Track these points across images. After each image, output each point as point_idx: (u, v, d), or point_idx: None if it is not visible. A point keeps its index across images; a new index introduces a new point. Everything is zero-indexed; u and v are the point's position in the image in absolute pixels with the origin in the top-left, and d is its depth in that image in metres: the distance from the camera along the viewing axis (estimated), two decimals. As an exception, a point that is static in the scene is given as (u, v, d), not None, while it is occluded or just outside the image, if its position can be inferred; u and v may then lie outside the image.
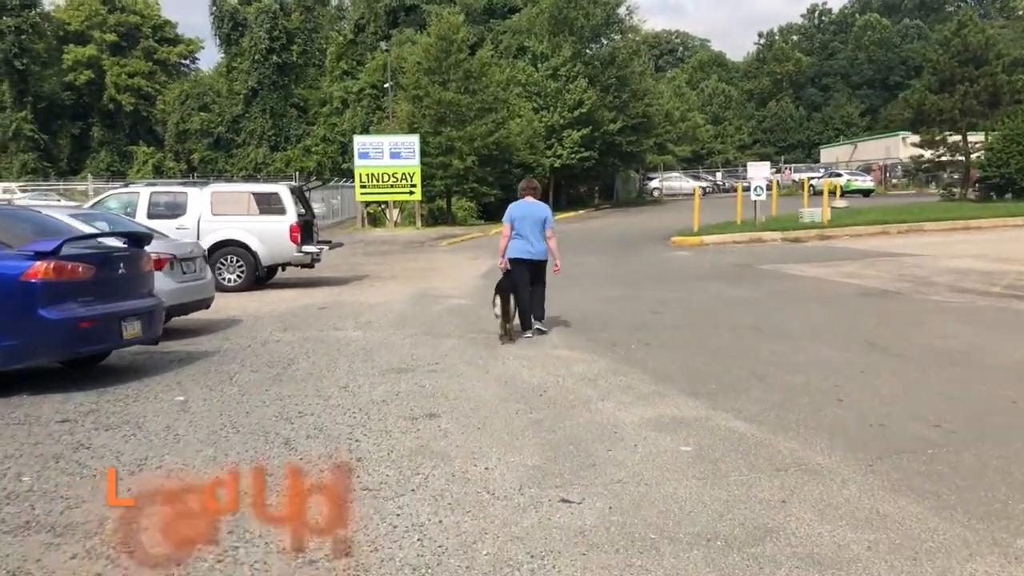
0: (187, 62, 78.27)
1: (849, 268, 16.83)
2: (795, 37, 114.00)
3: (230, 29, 66.65)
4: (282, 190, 16.23)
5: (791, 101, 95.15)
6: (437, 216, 39.45)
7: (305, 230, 17.20)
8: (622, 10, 48.91)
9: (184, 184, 16.73)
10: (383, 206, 38.81)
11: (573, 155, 43.91)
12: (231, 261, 15.91)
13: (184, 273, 10.62)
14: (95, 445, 5.67)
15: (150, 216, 15.92)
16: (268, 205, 16.32)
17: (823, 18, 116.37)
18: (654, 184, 63.23)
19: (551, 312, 10.96)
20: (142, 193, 16.23)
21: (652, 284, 15.19)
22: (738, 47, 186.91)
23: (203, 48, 77.92)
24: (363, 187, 35.94)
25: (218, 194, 16.23)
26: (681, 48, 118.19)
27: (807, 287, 14.27)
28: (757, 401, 6.67)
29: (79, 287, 7.30)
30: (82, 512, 4.41)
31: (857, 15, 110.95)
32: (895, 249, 20.47)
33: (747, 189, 26.79)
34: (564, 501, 4.54)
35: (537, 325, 10.14)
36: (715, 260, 19.62)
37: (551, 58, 45.56)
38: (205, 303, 11.05)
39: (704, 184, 64.60)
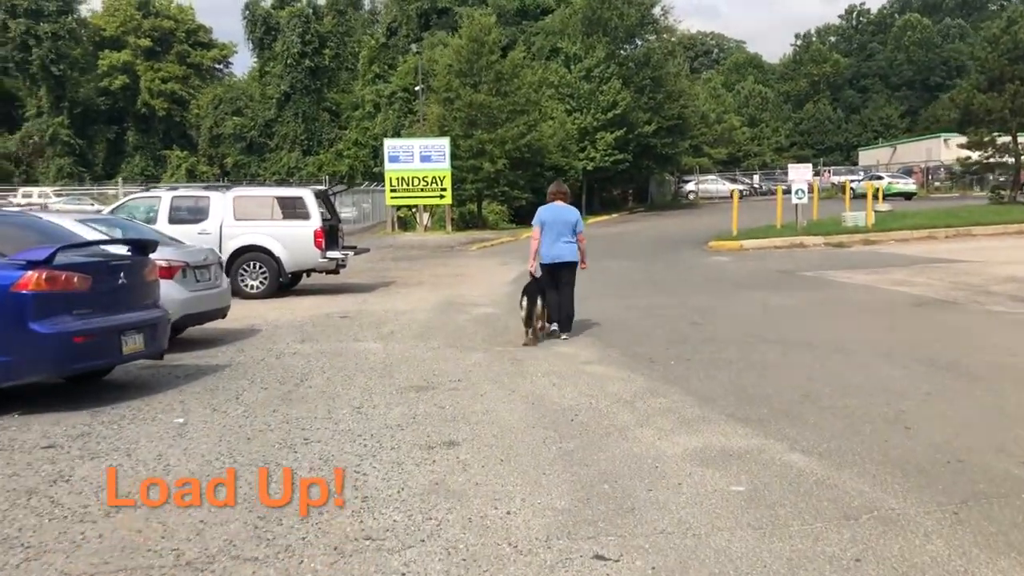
0: (220, 67, 78.57)
1: (898, 275, 15.95)
2: (832, 38, 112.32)
3: (263, 33, 66.88)
4: (306, 194, 15.73)
5: (828, 103, 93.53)
6: (468, 220, 38.90)
7: (330, 235, 16.70)
8: (657, 10, 48.08)
9: (207, 188, 16.20)
10: (413, 210, 38.36)
11: (606, 157, 43.17)
12: (254, 267, 15.44)
13: (198, 281, 10.10)
14: (75, 477, 5.11)
15: (172, 221, 15.52)
16: (292, 210, 15.83)
17: (861, 18, 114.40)
18: (689, 187, 62.25)
19: (583, 319, 10.34)
20: (164, 198, 15.82)
21: (690, 291, 14.47)
22: (774, 49, 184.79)
23: (236, 52, 78.36)
24: (393, 191, 35.51)
25: (241, 198, 15.77)
26: (716, 50, 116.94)
27: (856, 296, 13.45)
28: (814, 428, 5.97)
29: (74, 299, 6.77)
30: (39, 567, 3.83)
31: (896, 15, 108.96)
32: (945, 255, 19.51)
33: (787, 192, 25.91)
34: (598, 558, 3.87)
35: (563, 336, 10.15)
36: (756, 266, 18.82)
37: (584, 59, 44.87)
38: (221, 312, 10.54)
39: (741, 187, 63.58)
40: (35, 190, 51.57)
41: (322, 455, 5.47)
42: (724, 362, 8.43)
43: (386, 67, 60.28)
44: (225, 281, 10.77)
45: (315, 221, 15.47)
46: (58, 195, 49.67)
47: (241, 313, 13.09)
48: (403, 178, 35.15)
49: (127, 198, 17.40)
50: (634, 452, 5.49)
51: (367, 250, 17.74)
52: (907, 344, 9.25)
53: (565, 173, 40.88)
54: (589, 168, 43.11)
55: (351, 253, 16.08)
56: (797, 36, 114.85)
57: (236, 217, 15.54)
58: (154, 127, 72.18)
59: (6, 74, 69.83)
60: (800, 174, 24.61)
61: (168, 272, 9.50)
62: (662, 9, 48.28)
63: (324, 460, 5.37)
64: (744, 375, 7.81)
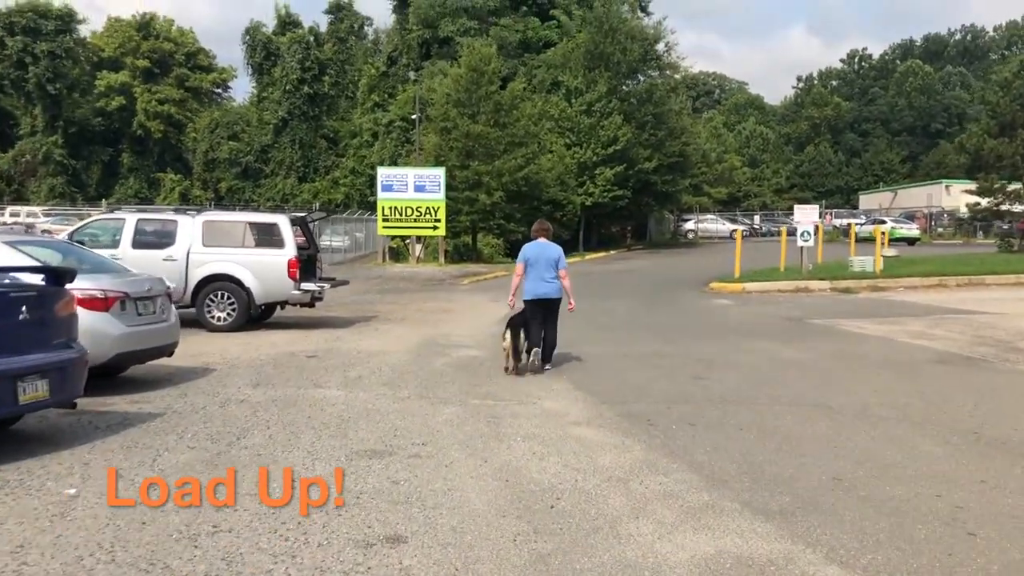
0: (219, 91, 77.89)
1: (914, 327, 14.82)
2: (834, 82, 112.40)
3: (262, 59, 66.21)
4: (281, 221, 14.63)
5: (829, 146, 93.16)
6: (463, 252, 37.85)
7: (307, 266, 15.58)
8: (660, 46, 47.41)
9: (175, 211, 15.10)
10: (406, 241, 37.31)
11: (606, 193, 42.22)
12: (222, 298, 14.29)
13: (139, 315, 8.93)
14: None
15: (136, 245, 14.44)
16: (265, 237, 14.72)
17: (863, 63, 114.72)
18: (689, 225, 61.37)
19: (575, 365, 9.24)
20: (128, 220, 14.70)
21: (692, 338, 13.32)
22: (774, 92, 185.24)
23: (236, 77, 77.64)
24: (385, 220, 34.46)
25: (211, 223, 14.66)
26: (718, 90, 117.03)
27: (873, 350, 12.29)
28: (853, 529, 4.79)
29: (-45, 337, 5.62)
30: None
31: (898, 61, 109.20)
32: (959, 305, 18.40)
33: (792, 233, 24.91)
34: None
35: (546, 367, 10.33)
36: (760, 311, 17.70)
37: (586, 93, 44.11)
38: (166, 350, 9.37)
39: (741, 227, 62.74)
40: (23, 209, 50.47)
41: (227, 554, 4.28)
42: (734, 428, 7.26)
43: (386, 96, 59.56)
44: (173, 314, 9.60)
45: (289, 250, 14.35)
46: (47, 215, 48.53)
47: (199, 347, 11.96)
48: (396, 207, 34.12)
49: (89, 220, 16.30)
50: (627, 558, 4.31)
51: (345, 282, 16.63)
52: (941, 411, 8.09)
53: (563, 208, 39.95)
54: (588, 203, 42.14)
55: (327, 286, 14.91)
56: (799, 79, 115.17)
57: (205, 243, 14.43)
58: (149, 149, 71.22)
59: (1, 91, 69.02)
60: (807, 215, 23.59)
61: (103, 304, 8.37)
62: (666, 45, 47.65)
63: (227, 562, 4.18)
64: (759, 447, 6.64)
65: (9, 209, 50.19)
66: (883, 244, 31.42)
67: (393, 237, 37.38)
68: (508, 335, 9.90)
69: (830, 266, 25.95)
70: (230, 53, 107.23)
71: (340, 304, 19.69)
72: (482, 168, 35.42)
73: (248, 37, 66.49)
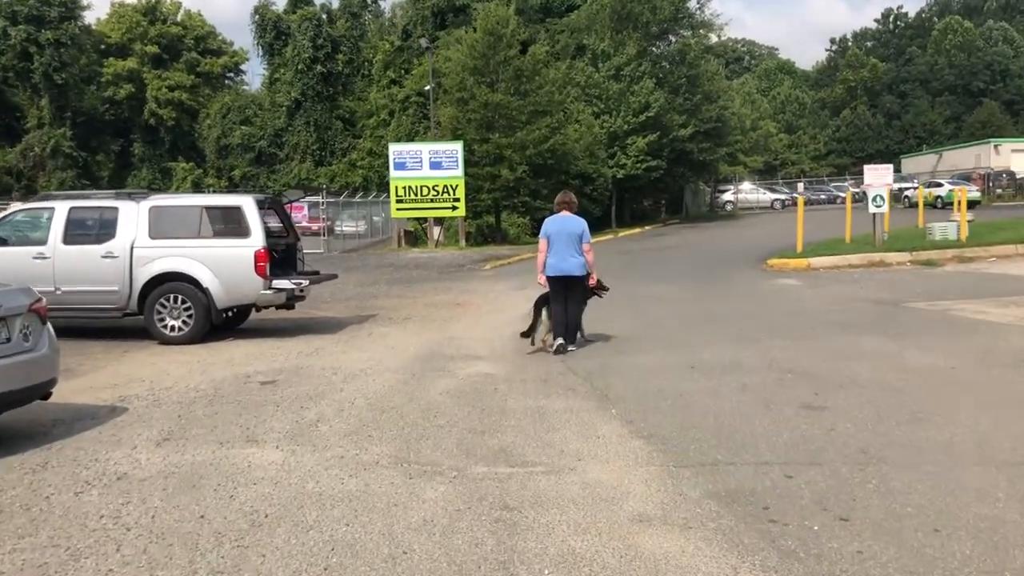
0: (232, 75, 75.20)
1: (1049, 308, 11.67)
2: (869, 43, 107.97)
3: (273, 39, 63.40)
4: (246, 203, 11.68)
5: (867, 109, 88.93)
6: (486, 234, 34.81)
7: (285, 258, 12.70)
8: (692, 3, 43.86)
9: (116, 197, 12.23)
10: (424, 224, 34.37)
11: (638, 164, 38.93)
12: (175, 302, 11.42)
13: (-18, 345, 6.07)
14: None
15: (68, 240, 11.67)
16: (227, 224, 11.83)
17: (899, 22, 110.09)
18: (727, 196, 57.83)
19: (626, 392, 6.42)
20: (58, 209, 11.83)
21: (772, 335, 10.23)
22: (804, 57, 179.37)
23: (247, 60, 74.83)
24: (399, 202, 31.59)
25: (159, 210, 11.76)
26: (747, 56, 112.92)
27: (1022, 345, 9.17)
28: None
29: None
30: None
31: (936, 18, 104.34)
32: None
33: (857, 199, 21.64)
34: None
35: (570, 347, 9.69)
36: (840, 293, 14.55)
37: (613, 57, 40.77)
38: (31, 393, 6.46)
39: (782, 196, 59.12)
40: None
41: None
42: (916, 527, 4.21)
43: (402, 72, 56.58)
44: (45, 342, 6.67)
45: (256, 239, 11.43)
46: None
47: (132, 370, 9.20)
48: (410, 187, 31.23)
49: (11, 210, 13.49)
50: None
51: (332, 277, 13.70)
52: None
53: (593, 181, 36.79)
54: (619, 176, 38.89)
55: (306, 282, 11.95)
56: (832, 41, 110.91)
57: (152, 234, 11.55)
58: (161, 138, 68.78)
59: (6, 83, 66.77)
60: (879, 177, 20.28)
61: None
62: (698, 2, 44.10)
63: None
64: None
65: (13, 205, 47.86)
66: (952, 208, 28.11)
67: (410, 220, 34.53)
68: (533, 316, 9.96)
69: (904, 235, 22.66)
70: (244, 39, 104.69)
71: (339, 299, 16.90)
72: (503, 141, 32.30)
73: (257, 16, 63.68)
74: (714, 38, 47.29)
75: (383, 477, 5.22)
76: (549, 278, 9.71)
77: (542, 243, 9.87)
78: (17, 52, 63.33)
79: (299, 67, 60.74)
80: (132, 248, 11.48)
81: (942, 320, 11.07)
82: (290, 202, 13.23)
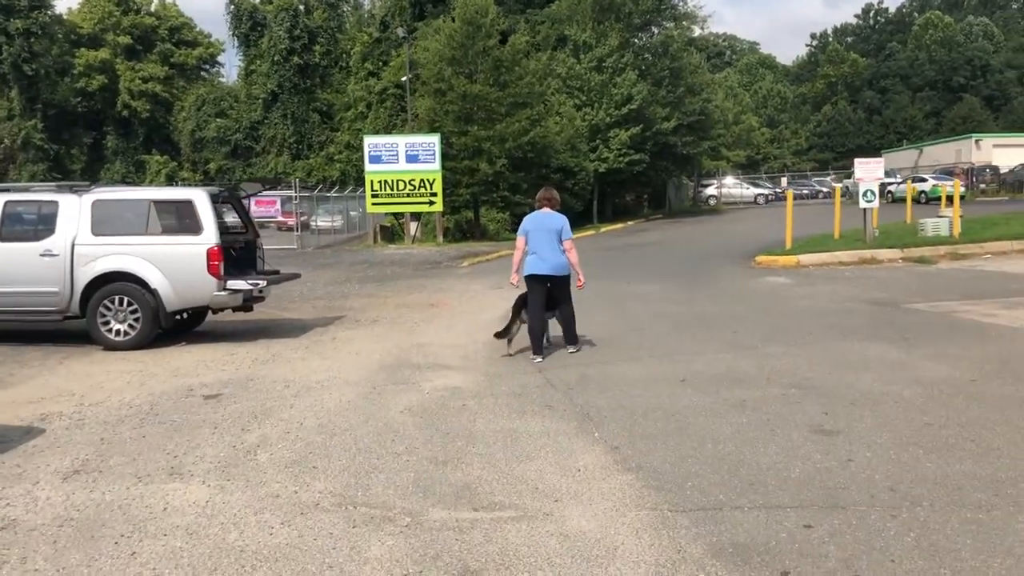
0: (207, 66, 73.72)
1: (1058, 310, 10.95)
2: (850, 38, 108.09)
3: (248, 29, 62.04)
4: (198, 197, 10.75)
5: (848, 104, 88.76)
6: (465, 229, 33.89)
7: (244, 256, 11.81)
8: (675, -7, 43.07)
9: (57, 189, 11.25)
10: (401, 219, 33.42)
11: (621, 158, 38.16)
12: (120, 304, 10.50)
13: None
14: None
15: (2, 237, 10.69)
16: (177, 220, 10.90)
17: (879, 18, 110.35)
18: (710, 191, 57.16)
19: (612, 410, 5.64)
20: (-9, 203, 10.88)
21: (768, 341, 9.43)
22: (783, 53, 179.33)
23: (223, 51, 73.42)
24: (375, 196, 30.65)
25: (103, 204, 10.80)
26: (728, 51, 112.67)
27: (1040, 353, 8.41)
28: None
29: None
30: None
31: (916, 14, 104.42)
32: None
33: (845, 193, 20.90)
34: None
35: (571, 349, 9.30)
36: (834, 293, 13.79)
37: (595, 48, 39.91)
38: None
39: (765, 191, 58.57)
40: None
41: None
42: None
43: (380, 64, 55.45)
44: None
45: (209, 236, 10.52)
46: None
47: (62, 382, 8.28)
48: (386, 181, 30.30)
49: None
50: None
51: (295, 276, 12.77)
52: None
53: (575, 175, 35.92)
54: (601, 170, 38.09)
55: (262, 283, 11.03)
56: (813, 36, 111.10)
57: (95, 231, 10.61)
58: (135, 130, 67.30)
59: (-25, 74, 65.16)
60: (870, 171, 19.53)
61: None
62: (681, -8, 43.33)
63: None
64: None
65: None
66: (939, 203, 27.49)
67: (386, 215, 33.58)
68: (523, 315, 9.27)
69: (894, 231, 22.00)
70: (221, 30, 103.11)
71: (307, 298, 15.99)
72: (482, 133, 31.40)
73: (232, 6, 62.29)
74: (697, 30, 46.65)
75: (321, 525, 4.35)
76: (527, 278, 9.12)
77: (519, 240, 9.30)
78: (-15, 42, 61.75)
79: (275, 58, 59.50)
80: (73, 246, 10.54)
81: (948, 324, 10.31)
82: (248, 196, 12.32)
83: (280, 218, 37.39)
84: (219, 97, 63.23)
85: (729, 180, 59.80)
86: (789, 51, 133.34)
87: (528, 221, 9.32)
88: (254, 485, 5.03)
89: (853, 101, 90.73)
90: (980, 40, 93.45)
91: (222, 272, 10.55)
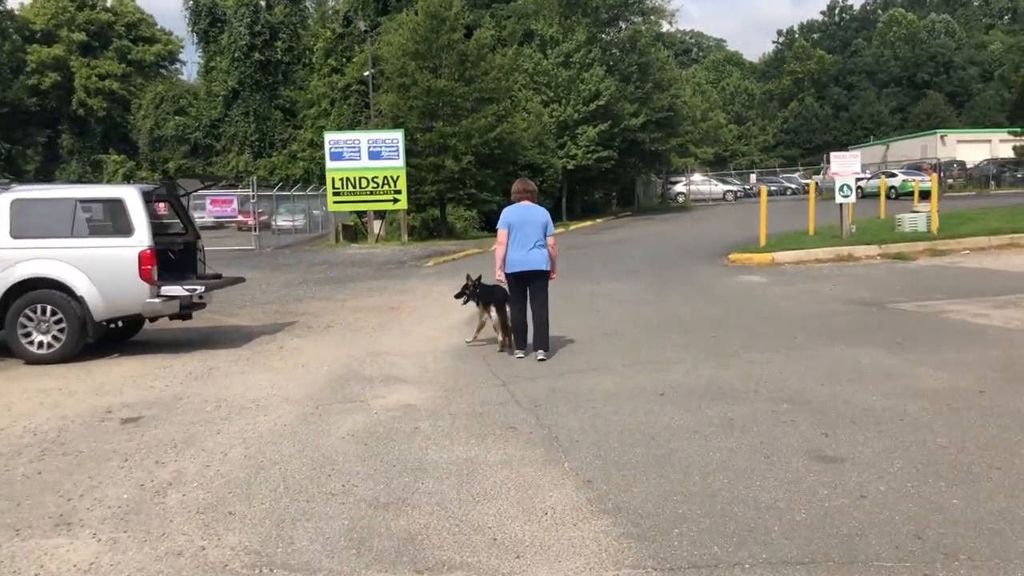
0: (167, 63, 72.01)
1: (1052, 309, 10.35)
2: (816, 35, 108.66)
3: (208, 25, 60.54)
4: (128, 195, 9.79)
5: (815, 101, 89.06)
6: (432, 228, 33.02)
7: (182, 259, 10.89)
8: (643, -12, 42.42)
9: (-27, 187, 10.26)
10: (364, 218, 32.46)
11: (589, 155, 37.47)
12: (43, 313, 9.54)
13: None
14: None
15: (-88, 241, 9.65)
16: (106, 221, 9.96)
17: (844, 15, 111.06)
18: (679, 188, 56.68)
19: (585, 434, 4.84)
20: (-100, 203, 9.85)
21: (748, 347, 8.69)
22: (750, 50, 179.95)
23: (183, 48, 71.79)
24: (336, 194, 29.66)
25: (23, 203, 9.82)
26: (695, 48, 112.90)
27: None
28: None
29: None
30: None
31: (880, 11, 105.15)
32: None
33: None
34: None
35: (540, 355, 8.55)
36: (813, 292, 13.13)
37: (562, 43, 39.17)
38: None
39: (734, 188, 58.24)
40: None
41: None
42: None
43: (343, 60, 54.29)
44: None
45: (141, 237, 9.58)
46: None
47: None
48: (348, 179, 29.32)
49: None
50: None
51: (239, 280, 11.84)
52: None
53: (543, 172, 35.15)
54: (570, 167, 37.39)
55: (200, 289, 10.10)
56: (779, 32, 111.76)
57: (14, 233, 9.63)
58: (91, 129, 65.53)
59: (-80, 71, 63.13)
60: (846, 165, 18.95)
61: None
62: (649, -14, 42.70)
63: None
64: None
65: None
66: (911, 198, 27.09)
67: (349, 213, 32.59)
68: (494, 312, 9.14)
69: (870, 227, 21.48)
70: (181, 27, 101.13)
71: (259, 302, 15.07)
72: (447, 129, 30.55)
73: (191, 2, 60.78)
74: (665, 25, 46.06)
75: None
76: (510, 275, 8.73)
77: (502, 234, 8.76)
78: (-67, 38, 59.83)
79: (236, 55, 58.13)
80: (-10, 249, 9.56)
81: (940, 326, 9.65)
82: (187, 193, 11.37)
83: (240, 218, 36.31)
84: (178, 95, 61.67)
85: (697, 177, 59.40)
86: (756, 48, 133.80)
87: (511, 214, 8.76)
88: (155, 539, 4.17)
89: (820, 97, 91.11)
90: (942, 37, 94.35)
91: (155, 277, 9.63)
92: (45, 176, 62.20)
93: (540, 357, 8.51)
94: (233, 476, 5.13)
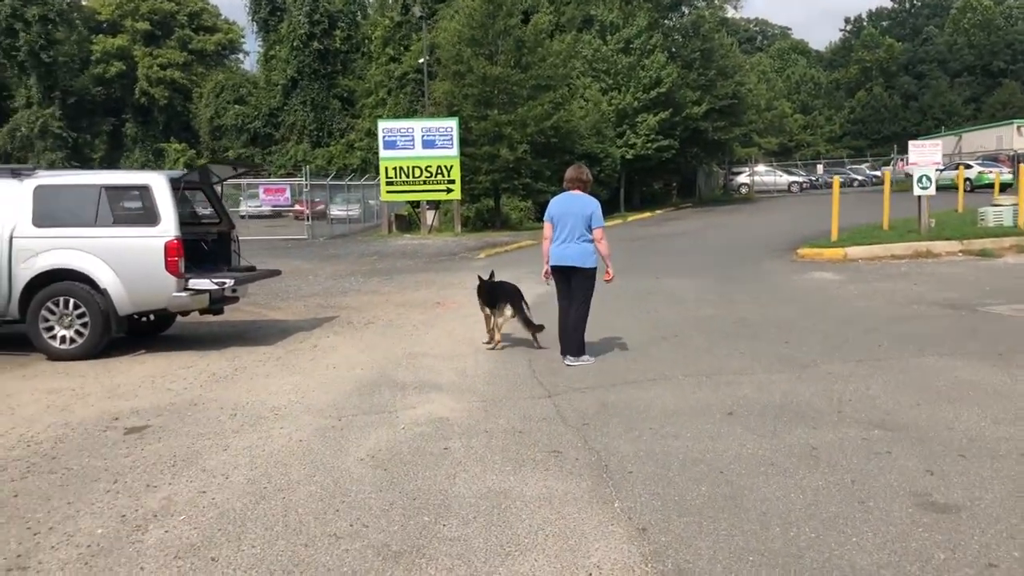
0: (227, 52, 72.48)
1: None
2: (885, 23, 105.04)
3: (268, 14, 60.72)
4: (156, 182, 9.20)
5: (883, 90, 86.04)
6: (486, 218, 32.30)
7: (216, 250, 10.31)
8: (706, -28, 41.10)
9: (-3, 172, 9.74)
10: (418, 208, 31.90)
11: (649, 144, 36.38)
12: (65, 306, 9.01)
13: None
14: None
15: (-68, 228, 9.20)
16: (131, 209, 9.39)
17: (916, 1, 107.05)
18: (742, 179, 55.07)
19: (638, 469, 3.95)
20: (-79, 189, 9.41)
21: (830, 354, 7.75)
22: (816, 39, 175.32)
23: (243, 39, 72.16)
24: (389, 184, 29.15)
25: (47, 190, 9.30)
26: (760, 37, 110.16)
27: None
28: None
29: None
30: None
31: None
32: None
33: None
34: None
35: (567, 360, 7.83)
36: (891, 291, 12.04)
37: (623, 29, 38.08)
38: None
39: (799, 179, 56.44)
40: None
41: None
42: None
43: (401, 48, 53.91)
44: None
45: (167, 227, 8.98)
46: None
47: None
48: (401, 168, 28.79)
49: None
50: None
51: (274, 273, 11.18)
52: None
53: (600, 162, 34.19)
54: (628, 156, 36.33)
55: (230, 282, 9.47)
56: (847, 20, 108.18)
57: (37, 221, 9.12)
58: (154, 118, 66.28)
59: (-7, 61, 64.39)
60: (926, 155, 17.66)
61: None
62: (713, -29, 41.33)
63: None
64: None
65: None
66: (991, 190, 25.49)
67: (405, 203, 32.07)
68: (507, 311, 8.68)
69: (950, 221, 20.12)
70: (242, 16, 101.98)
71: (303, 295, 14.53)
72: (503, 117, 29.75)
73: (251, -10, 60.97)
74: (730, 10, 44.63)
75: None
76: (552, 269, 8.09)
77: (546, 227, 8.11)
78: (2, 28, 60.84)
79: (295, 44, 58.13)
80: (11, 238, 9.06)
81: (1045, 333, 8.57)
82: (219, 181, 10.80)
83: (297, 207, 36.17)
84: (238, 84, 62.02)
85: (761, 168, 57.66)
86: (822, 37, 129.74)
87: (554, 204, 8.11)
88: (116, 593, 3.47)
89: (889, 87, 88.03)
90: (1020, 24, 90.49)
91: (182, 269, 9.02)
92: (110, 164, 63.05)
93: (567, 363, 7.83)
94: (229, 507, 4.42)
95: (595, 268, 7.88)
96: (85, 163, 63.70)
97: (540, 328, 8.72)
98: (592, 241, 7.87)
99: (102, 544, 3.98)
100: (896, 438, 5.21)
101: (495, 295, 8.81)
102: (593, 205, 7.94)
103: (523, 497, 4.41)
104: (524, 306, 8.72)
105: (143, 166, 62.97)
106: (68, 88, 63.32)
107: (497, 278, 9.08)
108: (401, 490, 4.59)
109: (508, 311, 8.65)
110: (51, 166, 60.83)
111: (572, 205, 7.93)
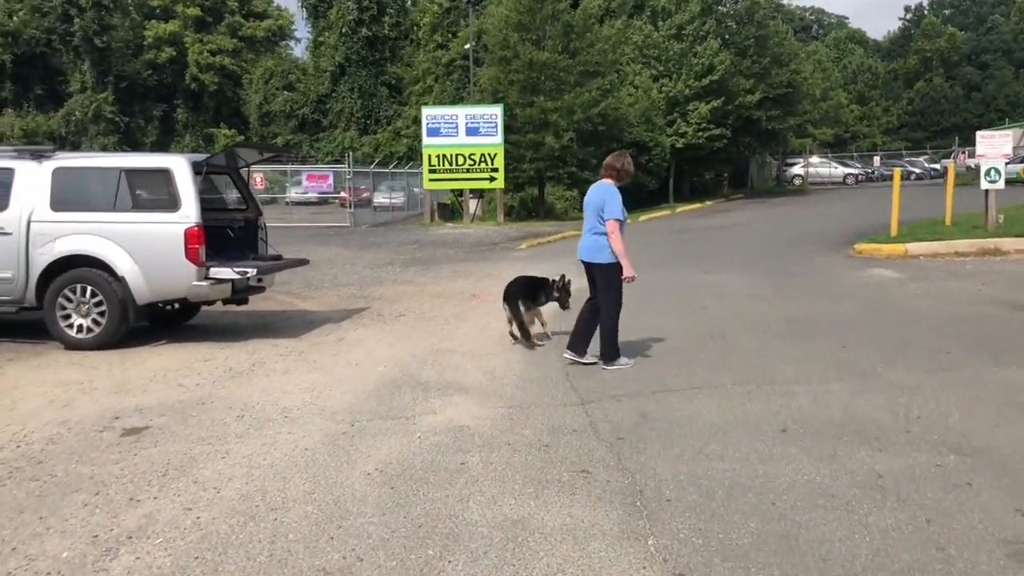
0: (277, 39, 72.70)
1: None
2: (947, 11, 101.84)
3: (317, 0, 60.60)
4: (177, 166, 8.79)
5: (943, 81, 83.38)
6: (530, 208, 31.68)
7: (243, 237, 9.89)
8: (761, -44, 39.81)
9: (17, 155, 9.36)
10: (461, 196, 31.42)
11: (700, 133, 35.40)
12: (83, 294, 8.65)
13: None
14: None
15: (-51, 210, 8.91)
16: (151, 194, 9.00)
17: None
18: (795, 170, 53.71)
19: (671, 470, 3.24)
20: (-64, 171, 9.11)
21: (892, 360, 7.06)
22: (874, 28, 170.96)
23: (293, 25, 72.29)
24: (432, 171, 28.65)
25: (65, 172, 8.93)
26: (816, 25, 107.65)
27: None
28: None
29: None
30: None
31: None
32: None
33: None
34: None
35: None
36: (956, 291, 11.22)
37: (675, 14, 37.11)
38: None
39: (855, 171, 54.92)
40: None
41: None
42: None
43: (449, 35, 53.44)
44: None
45: (188, 213, 8.56)
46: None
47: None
48: (444, 155, 28.27)
49: None
50: None
51: (302, 262, 10.71)
52: None
53: (649, 151, 33.32)
54: (679, 145, 35.39)
55: (252, 272, 9.01)
56: (907, 9, 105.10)
57: (55, 205, 8.77)
58: (204, 104, 66.76)
59: (49, 47, 65.18)
60: (995, 147, 16.66)
61: None
62: (769, -45, 40.08)
63: None
64: None
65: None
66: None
67: (448, 191, 31.61)
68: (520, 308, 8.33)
69: (1018, 216, 19.02)
70: (293, 2, 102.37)
71: (337, 283, 14.13)
72: (549, 104, 29.05)
73: (301, -23, 60.93)
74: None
75: None
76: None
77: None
78: (59, 15, 61.66)
79: (343, 30, 57.95)
80: (29, 223, 8.73)
81: None
82: (246, 165, 10.37)
83: (343, 194, 36.01)
84: (287, 70, 62.09)
85: (816, 159, 56.21)
86: (880, 26, 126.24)
87: (588, 194, 7.66)
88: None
89: (950, 77, 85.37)
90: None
91: (203, 258, 8.60)
92: (161, 149, 63.72)
93: (602, 366, 7.29)
94: (213, 529, 3.93)
95: (612, 264, 7.19)
96: (136, 148, 64.40)
97: (531, 344, 8.25)
98: (602, 233, 7.23)
99: (63, 571, 3.52)
100: (975, 466, 4.55)
101: (506, 292, 8.53)
102: (608, 194, 7.29)
103: (543, 529, 3.85)
104: (524, 306, 8.28)
105: (194, 151, 63.49)
106: (121, 73, 63.98)
107: (540, 271, 8.64)
108: (407, 514, 4.06)
109: (521, 309, 8.27)
110: (103, 150, 61.64)
111: (592, 195, 7.44)
